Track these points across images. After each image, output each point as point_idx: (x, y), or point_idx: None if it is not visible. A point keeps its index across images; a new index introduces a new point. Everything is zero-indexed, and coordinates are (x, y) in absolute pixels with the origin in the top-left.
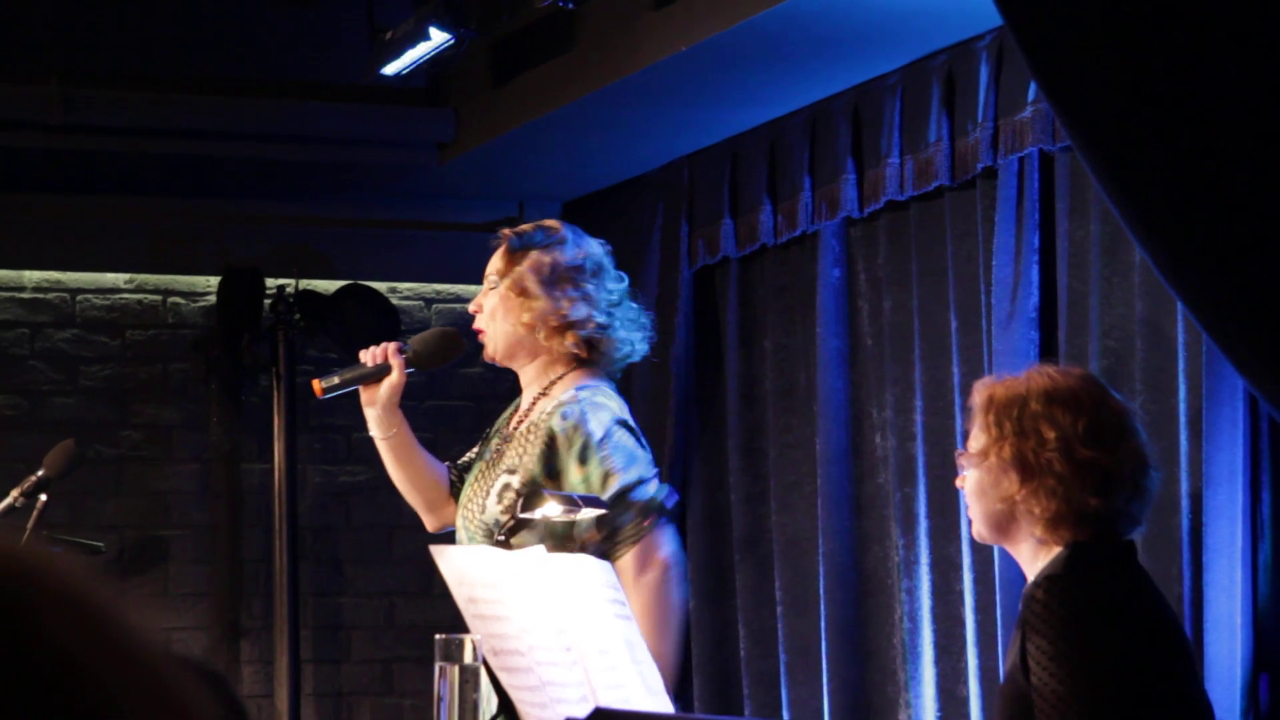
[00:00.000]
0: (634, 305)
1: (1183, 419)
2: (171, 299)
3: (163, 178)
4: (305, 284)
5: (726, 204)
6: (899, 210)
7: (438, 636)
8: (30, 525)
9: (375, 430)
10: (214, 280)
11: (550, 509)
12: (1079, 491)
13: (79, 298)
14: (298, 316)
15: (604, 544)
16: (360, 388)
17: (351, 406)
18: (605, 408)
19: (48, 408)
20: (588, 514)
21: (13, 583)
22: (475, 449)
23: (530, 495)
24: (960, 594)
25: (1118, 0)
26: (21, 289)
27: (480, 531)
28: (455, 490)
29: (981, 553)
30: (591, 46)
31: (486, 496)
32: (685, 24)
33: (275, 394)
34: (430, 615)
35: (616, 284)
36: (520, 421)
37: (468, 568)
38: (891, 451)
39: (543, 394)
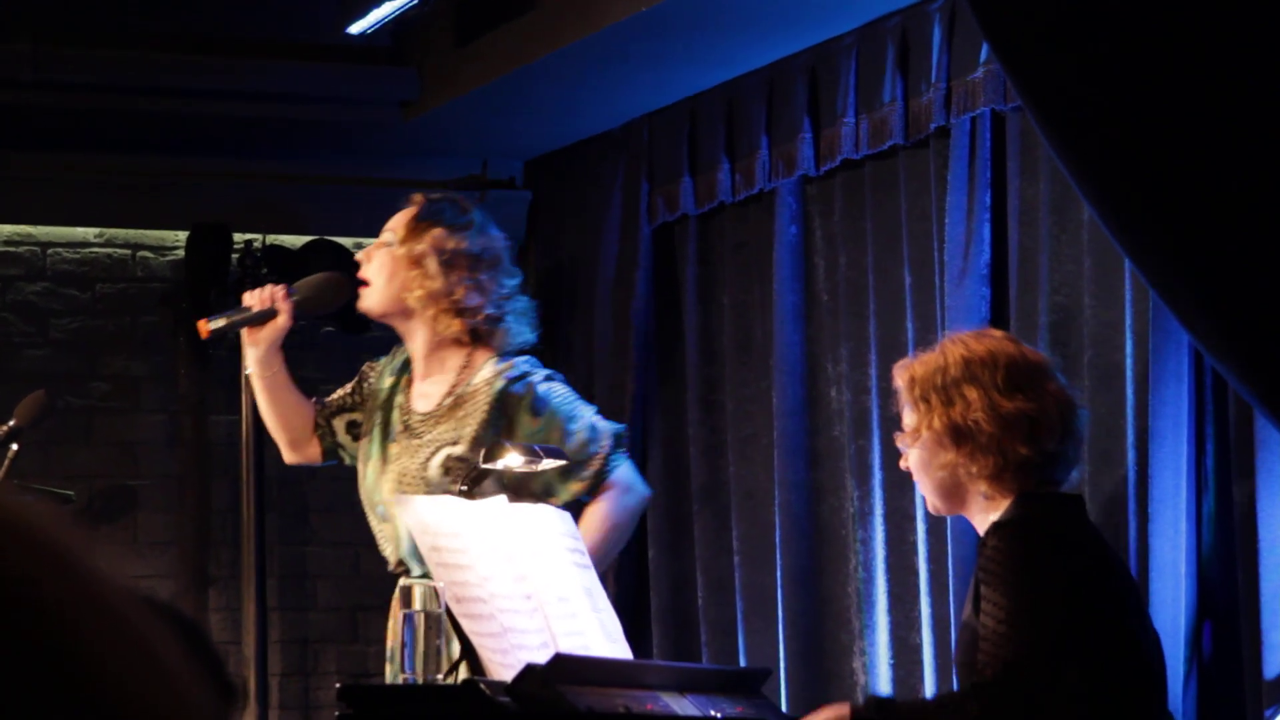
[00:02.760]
0: (524, 299)
1: (1129, 373)
2: (141, 253)
3: (132, 134)
4: (272, 239)
5: (685, 162)
6: (854, 169)
7: (401, 583)
8: (1, 474)
9: (255, 368)
10: (182, 235)
11: (511, 459)
12: (1010, 443)
13: (49, 251)
14: (265, 270)
15: (571, 482)
16: (245, 329)
17: (317, 360)
18: (541, 371)
19: (18, 359)
20: (548, 464)
21: None
22: (347, 391)
23: (492, 447)
24: (914, 544)
25: None
26: None
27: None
28: (320, 430)
29: None
30: (553, 7)
31: (425, 471)
32: None
33: (242, 347)
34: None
35: (509, 279)
36: (447, 396)
37: (430, 517)
38: (846, 405)
39: (465, 370)
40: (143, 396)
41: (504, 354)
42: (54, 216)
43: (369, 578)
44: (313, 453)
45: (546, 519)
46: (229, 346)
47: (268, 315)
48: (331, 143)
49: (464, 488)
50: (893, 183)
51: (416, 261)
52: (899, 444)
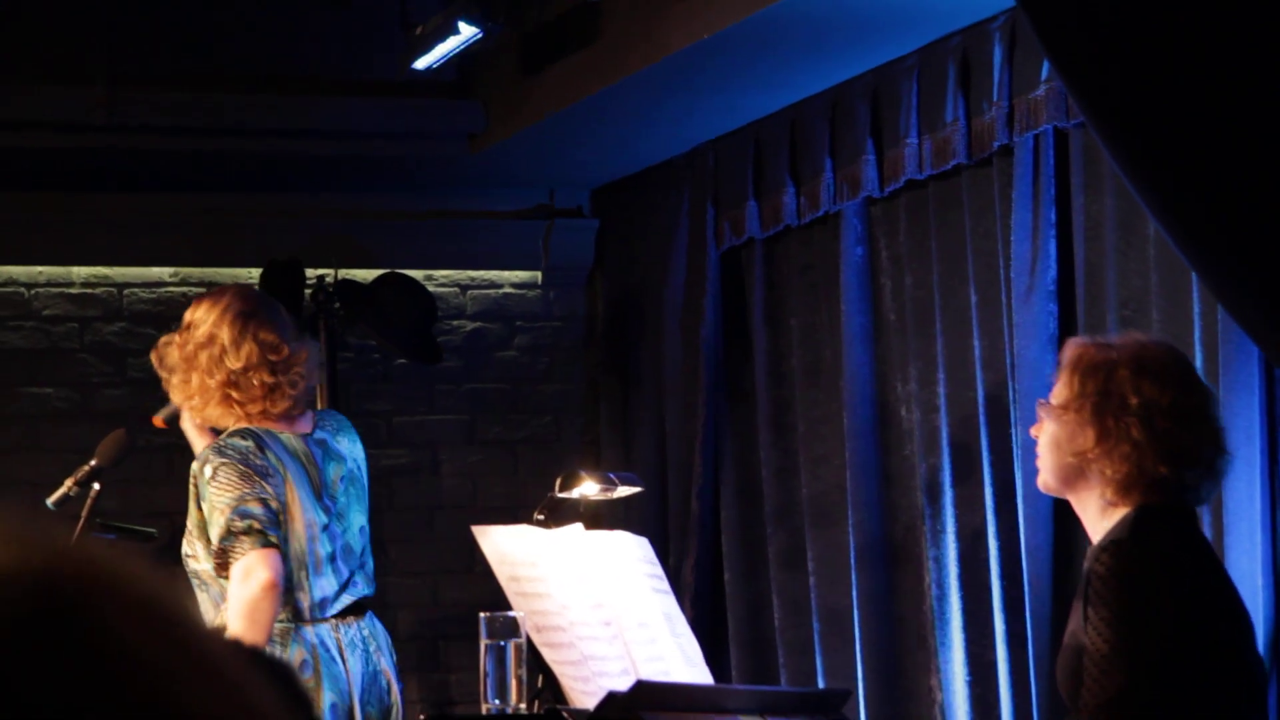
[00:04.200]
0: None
1: None
2: None
3: (205, 174)
4: (344, 273)
5: (750, 186)
6: (918, 189)
7: (482, 615)
8: (84, 513)
9: (198, 448)
10: (256, 272)
11: (587, 488)
12: (1152, 459)
13: (126, 292)
14: (337, 305)
15: (218, 569)
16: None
17: (391, 392)
18: (228, 452)
19: (98, 399)
20: (624, 491)
21: (80, 584)
22: None
23: (569, 476)
24: (986, 561)
25: None
26: (70, 284)
27: (188, 571)
28: None
29: (1006, 520)
30: (616, 37)
31: (192, 541)
32: (707, 12)
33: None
34: (473, 593)
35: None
36: None
37: (509, 547)
38: (916, 424)
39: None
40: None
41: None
42: (130, 257)
43: (449, 606)
44: None
45: (623, 545)
46: None
47: None
48: (400, 177)
49: (540, 517)
50: (957, 202)
51: (166, 368)
52: (1039, 410)
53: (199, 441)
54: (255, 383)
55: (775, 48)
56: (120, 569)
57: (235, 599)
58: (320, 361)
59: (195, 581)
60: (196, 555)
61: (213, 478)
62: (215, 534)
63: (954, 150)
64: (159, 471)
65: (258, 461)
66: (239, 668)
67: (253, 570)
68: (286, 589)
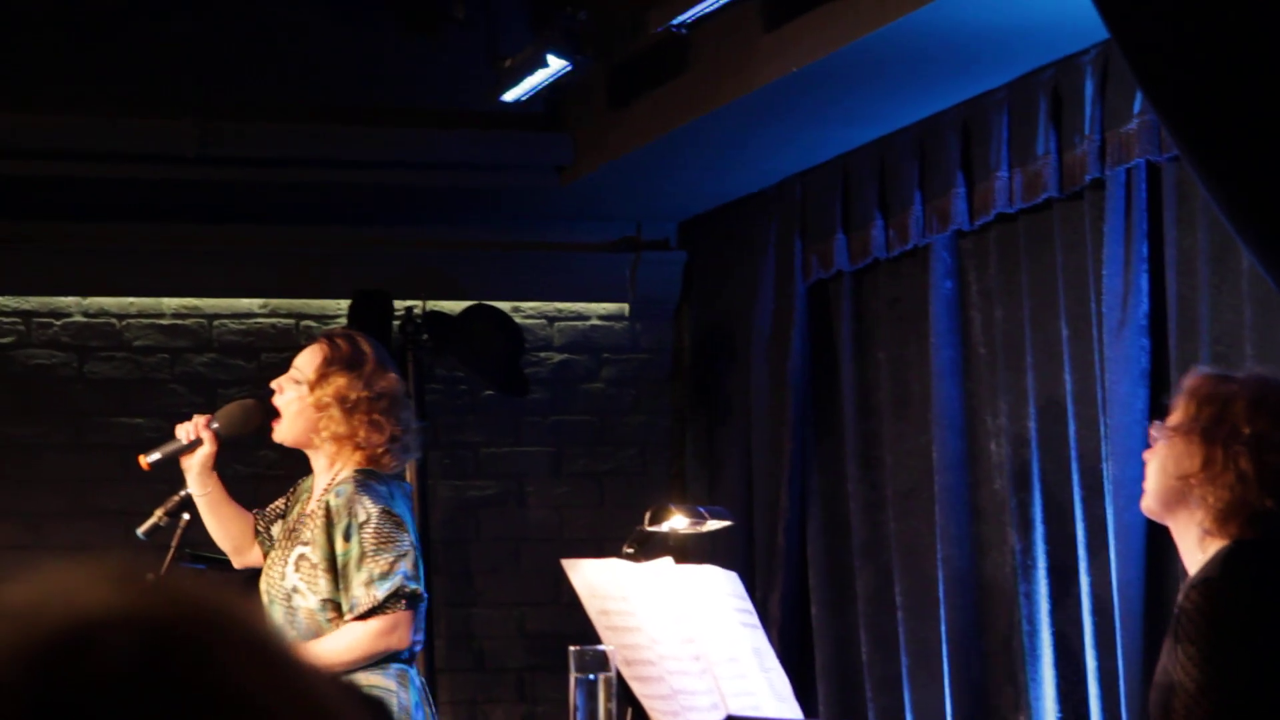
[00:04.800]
0: (415, 427)
1: None
2: (304, 322)
3: (294, 206)
4: (432, 305)
5: (839, 219)
6: (1008, 222)
7: (572, 648)
8: (173, 544)
9: (193, 488)
10: (344, 303)
11: (677, 522)
12: (1256, 491)
13: (216, 323)
14: (425, 337)
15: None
16: (178, 457)
17: (478, 423)
18: (375, 492)
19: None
20: (713, 525)
21: (191, 627)
22: (284, 501)
23: (657, 510)
24: (1078, 597)
25: (1224, 12)
26: (161, 315)
27: (279, 595)
28: (260, 536)
29: (1098, 557)
30: (705, 69)
31: (285, 565)
32: (796, 46)
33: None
34: (559, 624)
35: (404, 412)
36: (314, 504)
37: (599, 580)
38: (1006, 459)
39: (330, 484)
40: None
41: (383, 476)
42: (220, 288)
43: (535, 638)
44: (255, 557)
45: (713, 579)
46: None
47: (194, 444)
48: (489, 208)
49: (629, 550)
50: (1048, 235)
51: (324, 407)
52: (1152, 433)
53: (203, 482)
54: (386, 426)
55: (865, 81)
56: (230, 610)
57: (367, 641)
58: (409, 393)
59: (284, 609)
60: (309, 591)
61: (366, 523)
62: (367, 585)
63: (1045, 184)
64: (245, 501)
65: (401, 509)
66: (345, 707)
67: (398, 628)
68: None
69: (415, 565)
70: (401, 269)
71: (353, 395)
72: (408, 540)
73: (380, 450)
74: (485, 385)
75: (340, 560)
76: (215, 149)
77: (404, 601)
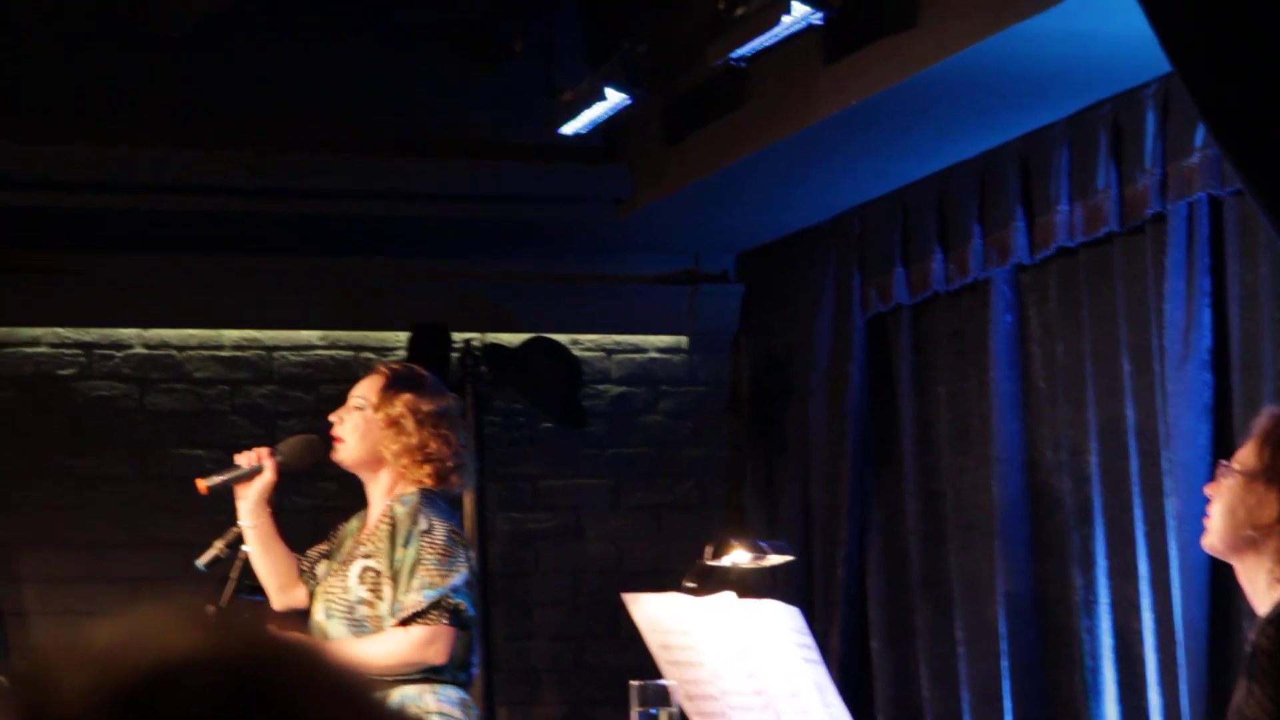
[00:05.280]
0: (470, 449)
1: None
2: (363, 354)
3: (352, 238)
4: (491, 337)
5: (898, 252)
6: (1069, 256)
7: (633, 683)
8: (234, 575)
9: (244, 519)
10: (403, 335)
11: (738, 556)
12: None
13: (275, 355)
14: (484, 369)
15: (399, 624)
16: (235, 485)
17: (536, 455)
18: (439, 508)
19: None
20: (775, 560)
21: (271, 668)
22: (326, 544)
23: (719, 544)
24: (1139, 633)
25: None
26: (221, 347)
27: (341, 608)
28: (304, 575)
29: (1161, 591)
30: (763, 103)
31: (347, 579)
32: (855, 80)
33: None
34: (618, 658)
35: (463, 432)
36: (372, 526)
37: (660, 614)
38: (1067, 493)
39: (393, 500)
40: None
41: (448, 494)
42: (279, 320)
43: (593, 671)
44: (299, 596)
45: (775, 614)
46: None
47: (255, 472)
48: (547, 241)
49: (690, 584)
50: (1108, 269)
51: (393, 422)
52: (1220, 470)
53: (255, 513)
54: (453, 441)
55: (924, 115)
56: (309, 652)
57: (403, 652)
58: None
59: (347, 622)
60: (377, 600)
61: (429, 532)
62: (415, 590)
63: (1106, 217)
64: (305, 534)
65: (456, 524)
66: None
67: (437, 641)
68: (463, 663)
69: (469, 587)
70: (460, 301)
71: (423, 408)
72: (465, 561)
73: (449, 465)
74: (543, 417)
75: (396, 565)
76: (275, 181)
77: (448, 615)
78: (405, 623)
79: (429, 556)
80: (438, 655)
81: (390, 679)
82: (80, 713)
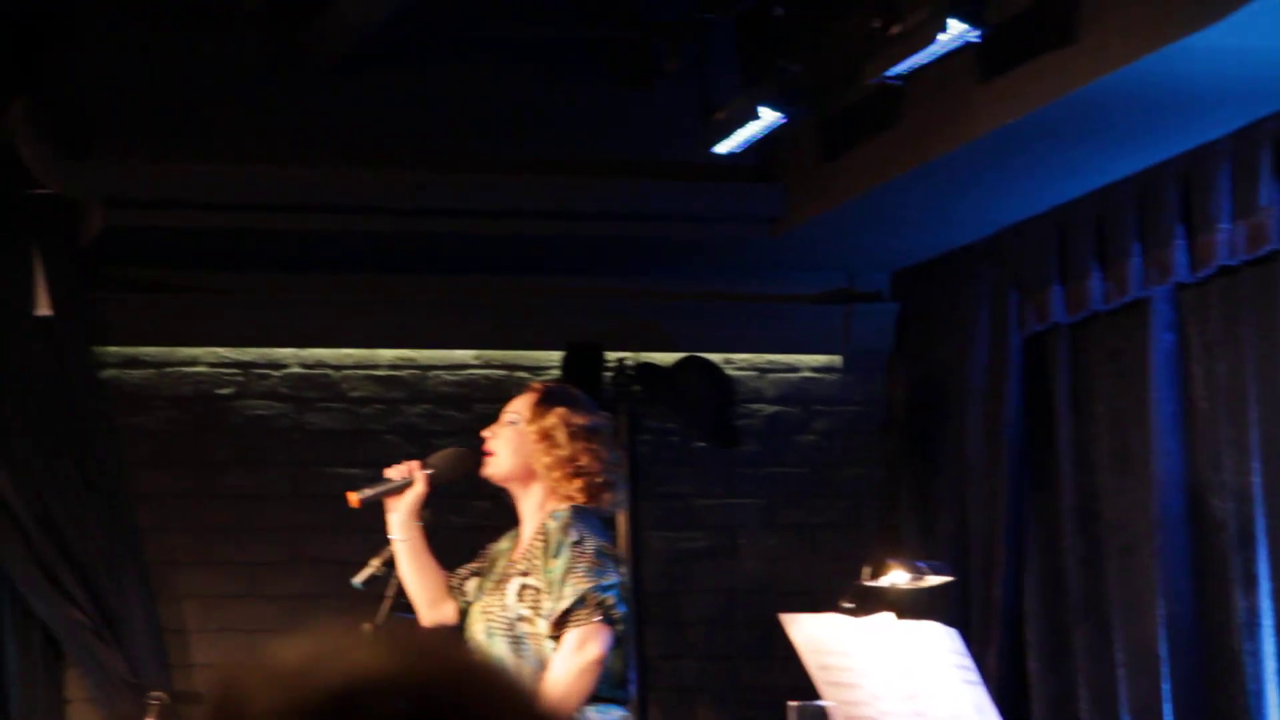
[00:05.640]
0: (621, 467)
1: None
2: (517, 373)
3: (507, 257)
4: (644, 356)
5: (1056, 271)
6: (1231, 274)
7: (792, 704)
8: (389, 593)
9: (395, 533)
10: (557, 355)
11: (896, 577)
12: None
13: (430, 374)
14: (637, 388)
15: (553, 628)
16: (385, 498)
17: (690, 475)
18: (591, 524)
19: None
20: (933, 580)
21: (459, 692)
22: (475, 563)
23: (877, 565)
24: None
25: None
26: (377, 366)
27: (501, 626)
28: (454, 593)
29: None
30: (919, 121)
31: (506, 597)
32: (1013, 97)
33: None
34: (773, 678)
35: (614, 450)
36: (526, 544)
37: (819, 636)
38: (1230, 514)
39: (543, 521)
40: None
41: (599, 511)
42: (434, 340)
43: (748, 691)
44: (448, 612)
45: (934, 635)
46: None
47: (405, 485)
48: (700, 260)
49: (849, 605)
50: (1272, 287)
51: (546, 435)
52: None
53: (406, 526)
54: (604, 456)
55: (1083, 132)
56: (492, 672)
57: (565, 667)
58: (621, 444)
59: (508, 640)
60: (536, 616)
61: (580, 544)
62: (566, 598)
63: (1269, 235)
64: (462, 553)
65: (608, 540)
66: None
67: (588, 642)
68: (620, 680)
69: (619, 589)
70: (614, 320)
71: (575, 421)
72: (615, 572)
73: (599, 481)
74: (697, 437)
75: (549, 577)
76: (431, 201)
77: (600, 613)
78: (558, 624)
79: (579, 565)
80: (595, 651)
81: (579, 707)
82: None
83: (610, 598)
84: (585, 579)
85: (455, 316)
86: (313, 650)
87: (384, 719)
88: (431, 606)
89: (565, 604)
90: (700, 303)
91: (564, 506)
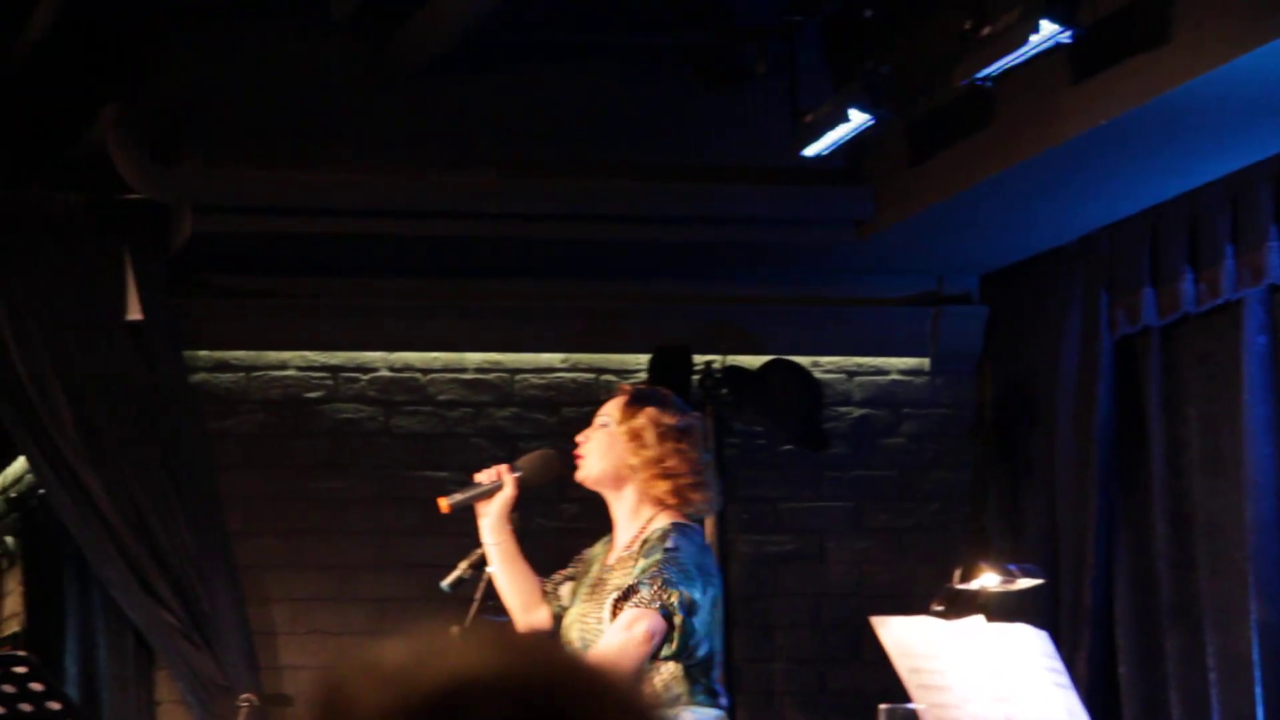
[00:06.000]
0: (713, 470)
1: None
2: (604, 376)
3: (594, 261)
4: (731, 359)
5: (1147, 273)
6: None
7: (883, 707)
8: (478, 596)
9: (487, 536)
10: (644, 358)
11: (987, 580)
12: None
13: (517, 377)
14: (725, 391)
15: (614, 605)
16: (476, 503)
17: (777, 478)
18: (692, 539)
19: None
20: (1025, 583)
21: (563, 693)
22: (570, 568)
23: (968, 567)
24: None
25: None
26: (464, 370)
27: (596, 638)
28: (548, 598)
29: None
30: (1009, 122)
31: (603, 610)
32: (1104, 98)
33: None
34: (861, 682)
35: (706, 453)
36: (627, 548)
37: (909, 639)
38: None
39: (641, 529)
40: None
41: (692, 517)
42: (521, 343)
43: (836, 695)
44: (542, 616)
45: (1025, 639)
46: None
47: (495, 489)
48: (788, 263)
49: (939, 608)
50: None
51: (635, 435)
52: None
53: (497, 530)
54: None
55: (1174, 134)
56: (595, 673)
57: (609, 642)
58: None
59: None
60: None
61: (674, 550)
62: (636, 578)
63: None
64: (549, 556)
65: (711, 567)
66: None
67: (637, 623)
68: (707, 687)
69: (694, 606)
70: (701, 324)
71: (664, 421)
72: (698, 589)
73: (687, 483)
74: (784, 440)
75: (635, 576)
76: (518, 205)
77: (659, 605)
78: (619, 601)
79: (668, 567)
80: (641, 632)
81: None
82: None
83: (677, 595)
84: (663, 572)
85: (543, 320)
86: (417, 651)
87: (490, 718)
88: (525, 611)
89: (632, 582)
90: (788, 306)
91: (663, 515)
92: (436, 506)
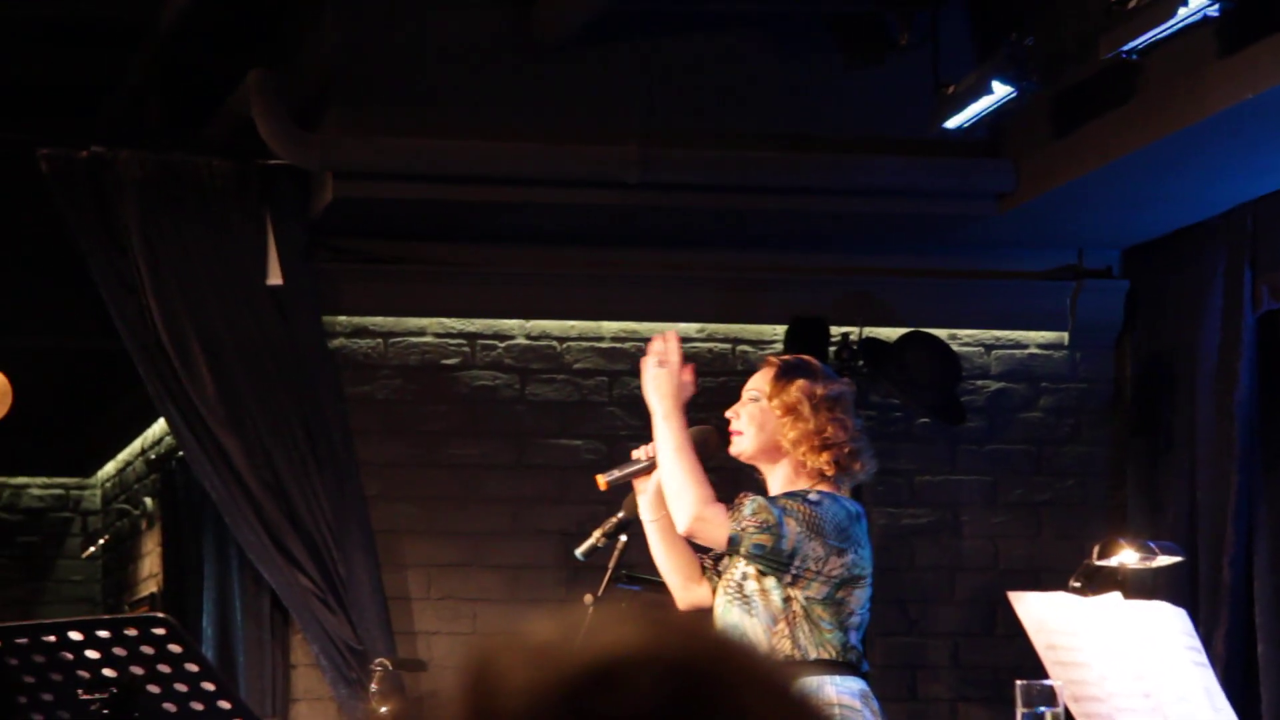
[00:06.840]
0: (865, 436)
1: None
2: (740, 347)
3: (732, 231)
4: (868, 331)
5: None
6: None
7: (1019, 683)
8: (611, 565)
9: (645, 514)
10: (780, 329)
11: (1126, 556)
12: None
13: None
14: (861, 363)
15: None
16: (634, 479)
17: (913, 451)
18: (840, 502)
19: (624, 452)
20: (1164, 560)
21: (715, 668)
22: None
23: (1106, 544)
24: None
25: None
26: (600, 339)
27: (732, 590)
28: (707, 574)
29: None
30: (1154, 96)
31: (739, 562)
32: (1252, 72)
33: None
34: (994, 657)
35: (858, 420)
36: None
37: (1047, 615)
38: None
39: None
40: (747, 486)
41: (853, 485)
42: (658, 312)
43: (969, 669)
44: (702, 594)
45: (1163, 616)
46: None
47: (652, 465)
48: (926, 235)
49: (1077, 584)
50: None
51: (790, 409)
52: None
53: (654, 506)
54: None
55: None
56: (745, 649)
57: (691, 489)
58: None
59: (738, 602)
60: (762, 575)
61: (816, 504)
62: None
63: None
64: None
65: (858, 531)
66: None
67: (713, 508)
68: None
69: (798, 544)
70: (838, 295)
71: (818, 392)
72: (821, 536)
73: (846, 450)
74: (920, 413)
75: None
76: (657, 175)
77: (752, 510)
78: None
79: (796, 514)
80: (711, 513)
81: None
82: (526, 707)
83: (775, 518)
84: (787, 517)
85: (679, 289)
86: (567, 626)
87: (641, 696)
88: (685, 588)
89: (741, 501)
90: (926, 278)
91: (819, 487)
92: (572, 479)
